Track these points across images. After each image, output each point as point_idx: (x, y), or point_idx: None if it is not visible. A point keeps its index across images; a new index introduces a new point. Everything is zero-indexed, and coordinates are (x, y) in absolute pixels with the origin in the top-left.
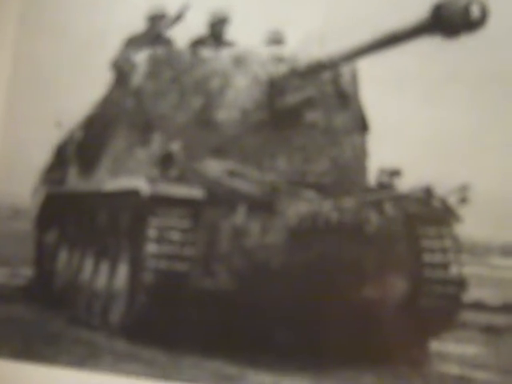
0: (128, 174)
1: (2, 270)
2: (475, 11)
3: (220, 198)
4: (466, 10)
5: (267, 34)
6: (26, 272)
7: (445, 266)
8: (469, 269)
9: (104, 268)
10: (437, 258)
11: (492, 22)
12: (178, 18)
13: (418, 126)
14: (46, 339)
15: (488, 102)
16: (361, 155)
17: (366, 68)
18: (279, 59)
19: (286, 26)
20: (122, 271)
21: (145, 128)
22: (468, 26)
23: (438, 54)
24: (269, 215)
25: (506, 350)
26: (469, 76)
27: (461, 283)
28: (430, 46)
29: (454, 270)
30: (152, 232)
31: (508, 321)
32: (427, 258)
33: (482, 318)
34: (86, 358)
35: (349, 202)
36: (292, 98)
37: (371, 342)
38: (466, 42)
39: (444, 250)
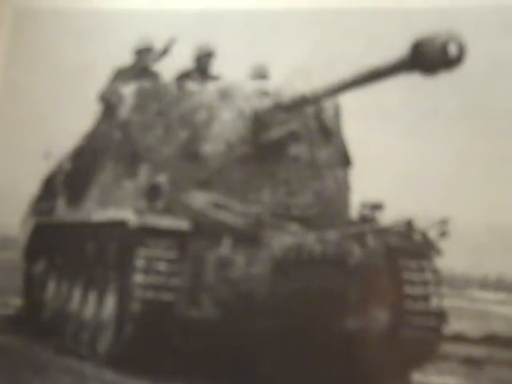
0: (115, 206)
1: None
2: (453, 49)
3: (205, 230)
4: (444, 49)
5: (252, 69)
6: (15, 302)
7: (425, 298)
8: (449, 301)
9: (92, 298)
10: (418, 290)
11: (469, 60)
12: (165, 51)
13: (399, 160)
14: (35, 368)
15: (466, 136)
16: (343, 189)
17: (349, 103)
18: (264, 93)
19: (270, 61)
20: (110, 301)
21: (132, 160)
22: (446, 63)
23: (417, 90)
24: (253, 247)
25: (486, 382)
26: (448, 111)
27: (441, 315)
28: (410, 82)
29: (434, 302)
30: (139, 262)
31: (488, 353)
32: (408, 290)
33: (463, 349)
34: None
35: (332, 235)
36: (276, 132)
37: (354, 372)
38: (445, 79)
39: (425, 283)
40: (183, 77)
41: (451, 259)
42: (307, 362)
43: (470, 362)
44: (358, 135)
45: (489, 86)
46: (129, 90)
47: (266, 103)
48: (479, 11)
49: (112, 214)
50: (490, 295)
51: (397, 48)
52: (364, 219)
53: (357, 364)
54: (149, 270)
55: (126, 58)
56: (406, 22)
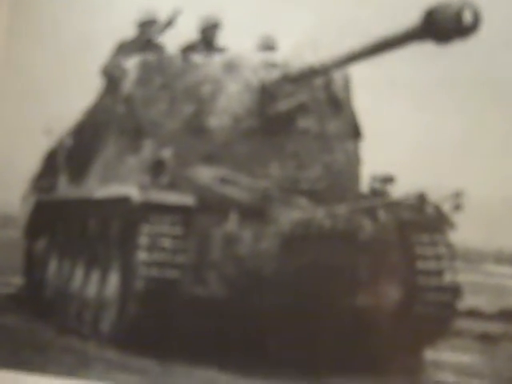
0: (119, 181)
1: None
2: (467, 17)
3: (211, 205)
4: (458, 16)
5: (259, 40)
6: (16, 280)
7: (439, 274)
8: (463, 276)
9: (95, 276)
10: (431, 265)
11: (484, 28)
12: (169, 23)
13: (410, 132)
14: (36, 348)
15: (481, 107)
16: (354, 162)
17: (359, 73)
18: (271, 65)
19: (278, 32)
20: (113, 279)
21: (136, 135)
22: (460, 31)
23: (430, 60)
24: (261, 222)
25: (502, 358)
26: (461, 82)
27: (455, 290)
28: (422, 51)
29: (448, 278)
30: (143, 239)
31: (503, 328)
32: (421, 265)
33: (478, 325)
34: (76, 367)
35: (342, 209)
36: (284, 104)
37: (365, 350)
38: (458, 48)
39: (438, 257)
40: (188, 49)
41: (465, 233)
42: (317, 339)
43: (485, 338)
44: (369, 106)
45: (504, 55)
46: (132, 64)
47: (274, 75)
48: None
49: (115, 189)
50: (505, 269)
51: (408, 16)
52: (375, 193)
53: (368, 342)
54: (153, 247)
55: (129, 31)
56: None
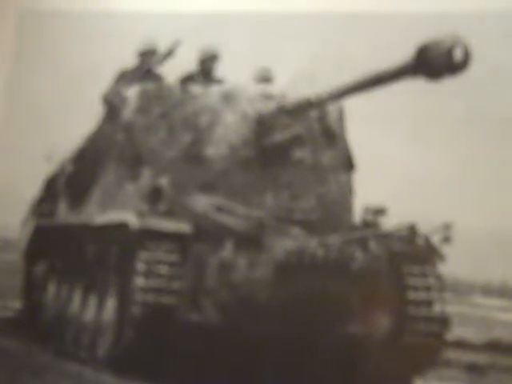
0: (117, 208)
1: None
2: (458, 54)
3: (208, 233)
4: (449, 53)
5: (256, 72)
6: (15, 304)
7: (428, 304)
8: (452, 307)
9: (92, 301)
10: (421, 295)
11: (473, 65)
12: (169, 54)
13: (402, 164)
14: (34, 372)
15: (471, 141)
16: (346, 193)
17: (353, 107)
18: (268, 97)
19: (275, 64)
20: (110, 304)
21: (134, 162)
22: (451, 68)
23: (421, 95)
24: (256, 250)
25: None
26: (452, 116)
27: (444, 321)
28: (414, 86)
29: (437, 308)
30: (140, 265)
31: (491, 359)
32: (411, 295)
33: (465, 356)
34: None
35: (334, 239)
36: (280, 136)
37: (356, 378)
38: (449, 84)
39: (428, 288)
40: (187, 79)
41: (454, 265)
42: (309, 366)
43: (472, 368)
44: (362, 139)
45: (493, 91)
46: (132, 92)
47: (270, 106)
48: (484, 16)
49: (113, 216)
50: (493, 301)
51: (401, 52)
52: (367, 224)
53: (359, 369)
54: (150, 274)
55: (130, 61)
56: (410, 27)
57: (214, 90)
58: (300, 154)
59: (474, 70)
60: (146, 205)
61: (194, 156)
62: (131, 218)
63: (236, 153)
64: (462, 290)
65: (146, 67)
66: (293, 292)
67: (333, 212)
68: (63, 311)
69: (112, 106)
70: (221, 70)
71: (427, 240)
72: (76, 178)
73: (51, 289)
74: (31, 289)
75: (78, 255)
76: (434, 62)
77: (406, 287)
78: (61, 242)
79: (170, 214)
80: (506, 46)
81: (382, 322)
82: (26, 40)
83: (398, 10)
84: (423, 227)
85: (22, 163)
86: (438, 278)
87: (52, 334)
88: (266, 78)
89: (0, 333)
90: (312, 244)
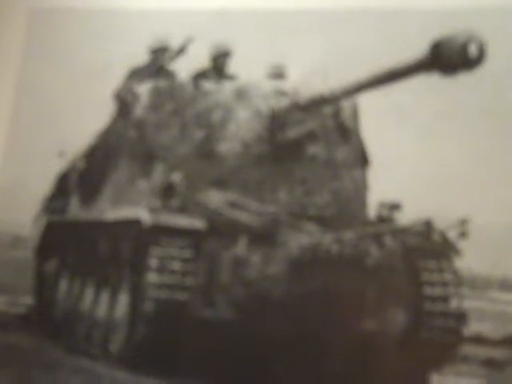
0: (130, 204)
1: (1, 298)
2: (473, 50)
3: (221, 229)
4: (464, 49)
5: (269, 68)
6: (26, 300)
7: (445, 299)
8: (469, 302)
9: (104, 297)
10: (437, 291)
11: (489, 61)
12: (181, 51)
13: (417, 160)
14: (46, 368)
15: (485, 136)
16: (361, 188)
17: (367, 103)
18: (281, 93)
19: (288, 60)
20: (123, 300)
21: (146, 159)
22: (465, 64)
23: (436, 91)
24: (270, 246)
25: None
26: (466, 112)
27: (461, 316)
28: (428, 82)
29: (454, 304)
30: (153, 261)
31: (508, 354)
32: (427, 291)
33: (483, 351)
34: None
35: (349, 235)
36: (293, 132)
37: (372, 374)
38: (464, 79)
39: (444, 284)
40: (199, 76)
41: (471, 260)
42: (323, 363)
43: (490, 363)
44: (376, 135)
45: (509, 86)
46: (144, 89)
47: (283, 103)
48: (498, 11)
49: (126, 212)
50: (510, 296)
51: (415, 48)
52: (382, 219)
53: (374, 366)
54: (163, 270)
55: (142, 58)
56: (424, 22)
57: (227, 87)
58: (314, 149)
59: (489, 65)
60: (159, 201)
61: (206, 152)
62: (144, 214)
63: (249, 149)
64: (479, 285)
65: (158, 64)
66: (307, 288)
67: (347, 208)
68: (75, 307)
69: (124, 102)
70: (233, 66)
71: (443, 235)
72: (88, 174)
73: (63, 285)
74: (43, 285)
75: (90, 251)
76: (449, 58)
77: (422, 283)
78: (73, 239)
79: (182, 210)
80: None
81: (398, 318)
82: (37, 37)
83: (411, 5)
84: (439, 222)
85: (34, 160)
86: (455, 273)
87: (64, 330)
88: (278, 74)
89: (12, 329)
90: (327, 240)
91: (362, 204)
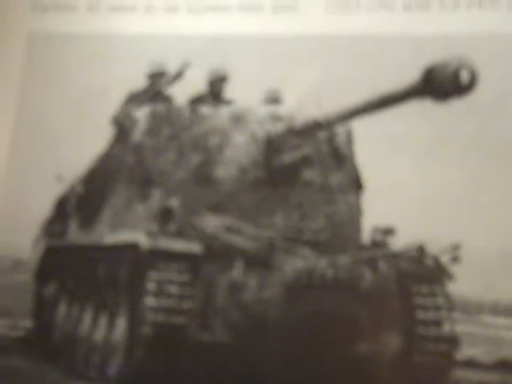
0: (128, 228)
1: (1, 322)
2: (465, 76)
3: (217, 253)
4: (456, 75)
5: (265, 93)
6: (26, 324)
7: (438, 324)
8: (461, 326)
9: (103, 321)
10: (430, 315)
11: (480, 87)
12: (178, 75)
13: (410, 185)
14: None
15: (478, 162)
16: (355, 213)
17: (361, 128)
18: (277, 118)
19: (283, 86)
20: (121, 324)
21: (144, 183)
22: (457, 90)
23: (429, 116)
24: (265, 271)
25: None
26: (459, 138)
27: (453, 341)
28: (421, 108)
29: (446, 328)
30: (151, 285)
31: (500, 379)
32: (420, 315)
33: (475, 376)
34: None
35: (343, 259)
36: (289, 157)
37: None
38: (456, 105)
39: (437, 308)
40: (196, 101)
41: (463, 284)
42: None
43: None
44: (370, 160)
45: (500, 113)
46: (142, 114)
47: (279, 128)
48: (490, 38)
49: (123, 236)
50: (501, 321)
51: (408, 74)
52: (376, 244)
53: None
54: (160, 293)
55: (139, 82)
56: (417, 48)
57: (223, 111)
58: (309, 174)
59: (481, 91)
60: (156, 225)
61: (203, 177)
62: (141, 238)
63: (245, 174)
64: (471, 309)
65: (155, 89)
66: (302, 312)
67: (342, 232)
68: (74, 331)
69: (122, 127)
70: (230, 91)
71: (436, 260)
72: (86, 198)
73: (62, 308)
74: (42, 308)
75: (89, 275)
76: (441, 84)
77: (415, 307)
78: (71, 262)
79: (180, 234)
80: None
81: (392, 342)
82: (36, 61)
83: (404, 32)
84: (432, 247)
85: (33, 183)
86: (447, 297)
87: (62, 353)
88: (274, 100)
89: (11, 352)
90: (321, 264)
91: (357, 229)
